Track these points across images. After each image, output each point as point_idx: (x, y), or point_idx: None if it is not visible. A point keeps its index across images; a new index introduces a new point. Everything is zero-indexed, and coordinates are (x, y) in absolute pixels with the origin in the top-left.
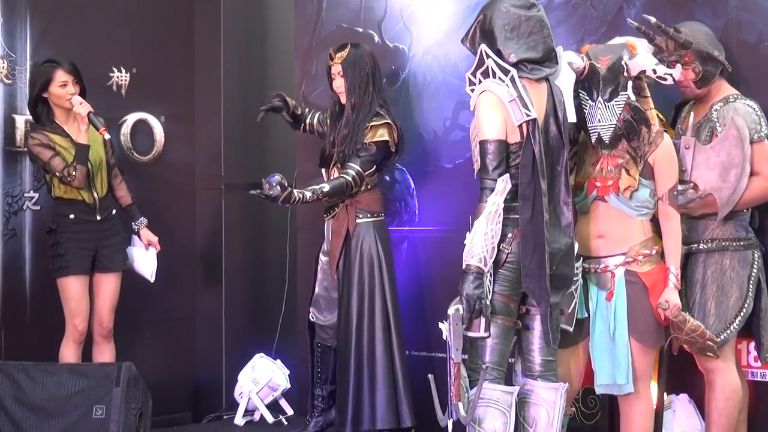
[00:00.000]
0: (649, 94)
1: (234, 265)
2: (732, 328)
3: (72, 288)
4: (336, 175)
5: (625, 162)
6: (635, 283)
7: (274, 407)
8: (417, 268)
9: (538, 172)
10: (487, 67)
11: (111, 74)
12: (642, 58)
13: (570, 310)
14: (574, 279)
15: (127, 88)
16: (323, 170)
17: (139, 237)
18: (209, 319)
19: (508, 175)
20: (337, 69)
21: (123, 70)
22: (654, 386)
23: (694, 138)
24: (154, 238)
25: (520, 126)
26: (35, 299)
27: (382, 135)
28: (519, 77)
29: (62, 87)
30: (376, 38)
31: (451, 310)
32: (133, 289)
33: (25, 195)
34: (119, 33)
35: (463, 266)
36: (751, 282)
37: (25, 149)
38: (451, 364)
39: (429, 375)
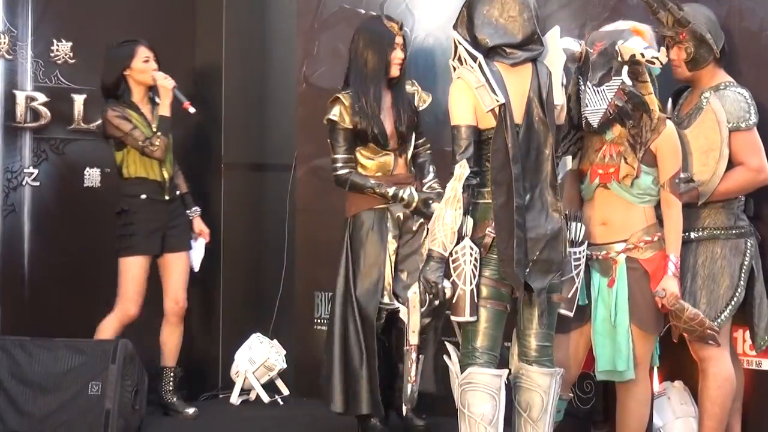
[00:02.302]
0: (647, 79)
1: (232, 245)
2: (723, 316)
3: (135, 268)
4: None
5: (624, 150)
6: (636, 270)
7: (270, 387)
8: None
9: (510, 156)
10: (459, 54)
11: None
12: (632, 41)
13: (570, 296)
14: (575, 262)
15: None
16: (375, 154)
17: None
18: (206, 298)
19: (465, 160)
20: (400, 40)
21: None
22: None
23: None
24: (206, 229)
25: (492, 111)
26: (33, 275)
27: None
28: (494, 61)
29: (145, 62)
30: None
31: (409, 293)
32: None
33: (25, 171)
34: (120, 8)
35: (425, 252)
36: (743, 271)
37: (26, 125)
38: (407, 346)
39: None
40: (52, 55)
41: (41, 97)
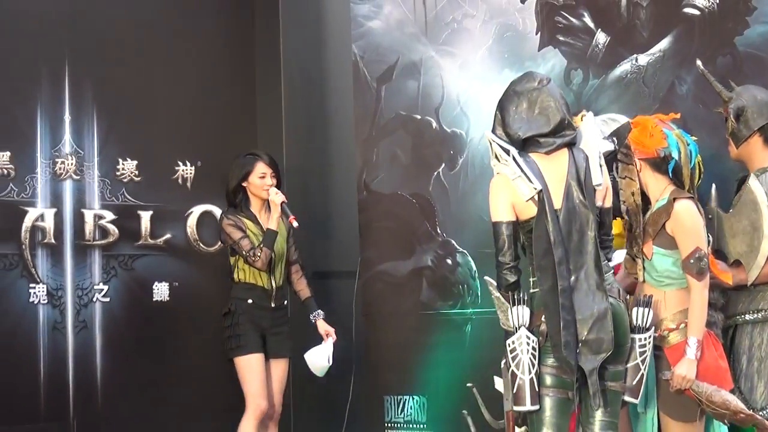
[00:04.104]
0: (631, 175)
1: (300, 351)
2: None
3: (253, 366)
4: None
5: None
6: (661, 358)
7: None
8: (480, 350)
9: (552, 241)
10: (495, 152)
11: (176, 168)
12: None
13: (635, 383)
14: (640, 348)
15: (192, 180)
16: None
17: (316, 327)
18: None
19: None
20: None
21: (188, 164)
22: None
23: (716, 207)
24: (331, 329)
25: (532, 199)
26: (106, 389)
27: None
28: (530, 152)
29: (261, 178)
30: (434, 124)
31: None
32: None
33: (95, 287)
34: (182, 128)
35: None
36: None
37: (95, 242)
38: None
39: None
40: (117, 173)
41: (109, 215)
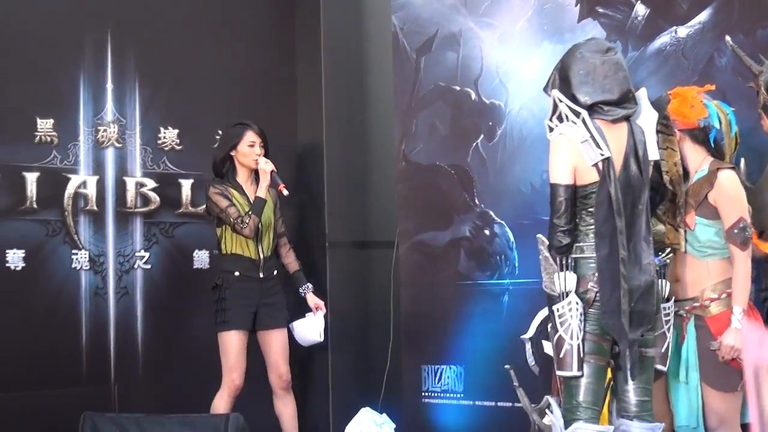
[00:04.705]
0: (672, 146)
1: (339, 321)
2: None
3: (232, 342)
4: None
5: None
6: (702, 328)
7: None
8: (517, 321)
9: (615, 210)
10: (560, 112)
11: (217, 136)
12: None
13: (663, 350)
14: (665, 317)
15: None
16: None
17: (306, 300)
18: (315, 373)
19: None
20: None
21: None
22: None
23: (744, 180)
24: (321, 302)
25: (595, 165)
26: (146, 354)
27: None
28: (594, 119)
29: (250, 147)
30: (473, 96)
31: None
32: None
33: (136, 254)
34: (223, 97)
35: None
36: None
37: (136, 210)
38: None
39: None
40: (159, 142)
41: (150, 183)
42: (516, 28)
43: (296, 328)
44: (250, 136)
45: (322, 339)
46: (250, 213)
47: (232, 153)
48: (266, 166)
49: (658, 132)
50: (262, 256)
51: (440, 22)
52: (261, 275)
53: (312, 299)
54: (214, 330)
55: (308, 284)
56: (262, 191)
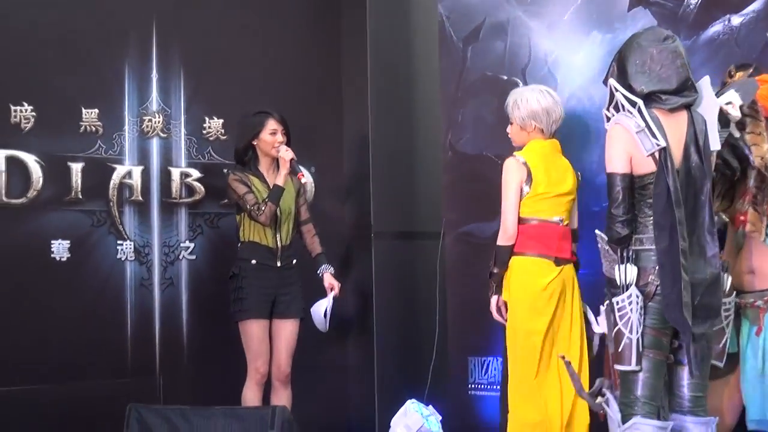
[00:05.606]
0: (758, 130)
1: (384, 312)
2: None
3: (253, 331)
4: None
5: (752, 197)
6: None
7: None
8: None
9: (673, 201)
10: (617, 101)
11: None
12: (725, 95)
13: (721, 346)
14: (725, 312)
15: None
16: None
17: (323, 280)
18: (361, 365)
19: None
20: None
21: None
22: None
23: None
24: (336, 283)
25: (652, 155)
26: (192, 346)
27: None
28: (651, 108)
29: (272, 135)
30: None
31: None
32: None
33: (181, 245)
34: (268, 87)
35: None
36: None
37: (181, 200)
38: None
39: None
40: (204, 132)
41: (195, 173)
42: (565, 17)
43: (312, 311)
44: (272, 125)
45: (325, 326)
46: (266, 200)
47: (254, 142)
48: (286, 154)
49: (745, 116)
50: (280, 245)
51: (487, 11)
52: (278, 264)
53: (328, 279)
54: (233, 319)
55: (327, 266)
56: (281, 179)
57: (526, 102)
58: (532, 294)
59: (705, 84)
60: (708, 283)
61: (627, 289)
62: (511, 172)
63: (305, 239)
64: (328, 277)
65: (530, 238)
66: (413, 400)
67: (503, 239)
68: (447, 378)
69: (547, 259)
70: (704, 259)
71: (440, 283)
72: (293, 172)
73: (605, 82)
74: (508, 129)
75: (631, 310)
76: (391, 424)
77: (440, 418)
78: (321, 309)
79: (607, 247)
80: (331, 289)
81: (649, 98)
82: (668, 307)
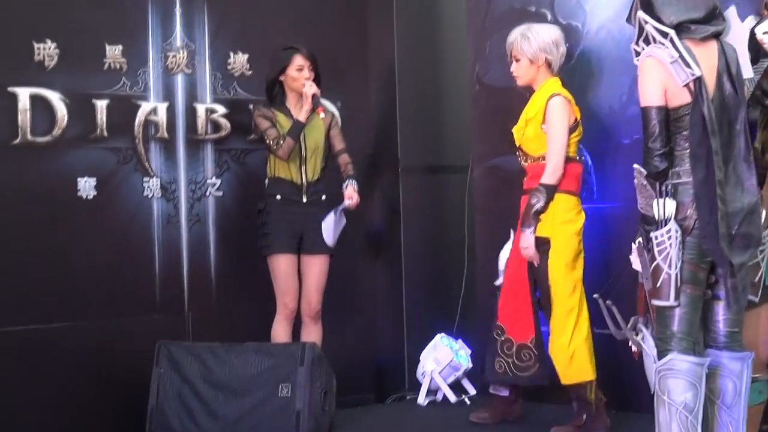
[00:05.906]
0: None
1: (413, 247)
2: None
3: (280, 266)
4: None
5: None
6: None
7: (456, 387)
8: (595, 245)
9: (709, 131)
10: (647, 34)
11: None
12: (764, 23)
13: (756, 280)
14: (760, 248)
15: None
16: None
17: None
18: (390, 300)
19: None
20: None
21: None
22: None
23: None
24: (355, 195)
25: (687, 86)
26: (220, 283)
27: None
28: (681, 38)
29: (299, 71)
30: (549, 17)
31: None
32: None
33: (208, 181)
34: (293, 21)
35: None
36: None
37: (207, 137)
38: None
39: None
40: (229, 67)
41: (221, 109)
42: None
43: (323, 221)
44: (299, 60)
45: (330, 238)
46: (285, 135)
47: (281, 77)
48: (309, 90)
49: None
50: (305, 181)
51: None
52: (304, 200)
53: (350, 191)
54: (260, 254)
55: (353, 180)
56: (303, 115)
57: (537, 34)
58: (578, 229)
59: (732, 14)
60: (746, 211)
61: (666, 224)
62: (564, 111)
63: (340, 168)
64: (350, 189)
65: (570, 177)
66: (443, 334)
67: (554, 178)
68: (476, 312)
69: (578, 197)
70: (741, 187)
71: (469, 217)
72: (314, 107)
73: (629, 20)
74: (513, 67)
75: (670, 245)
76: (421, 358)
77: (470, 352)
78: (330, 218)
79: (644, 182)
80: (350, 199)
81: (679, 29)
82: (705, 239)
